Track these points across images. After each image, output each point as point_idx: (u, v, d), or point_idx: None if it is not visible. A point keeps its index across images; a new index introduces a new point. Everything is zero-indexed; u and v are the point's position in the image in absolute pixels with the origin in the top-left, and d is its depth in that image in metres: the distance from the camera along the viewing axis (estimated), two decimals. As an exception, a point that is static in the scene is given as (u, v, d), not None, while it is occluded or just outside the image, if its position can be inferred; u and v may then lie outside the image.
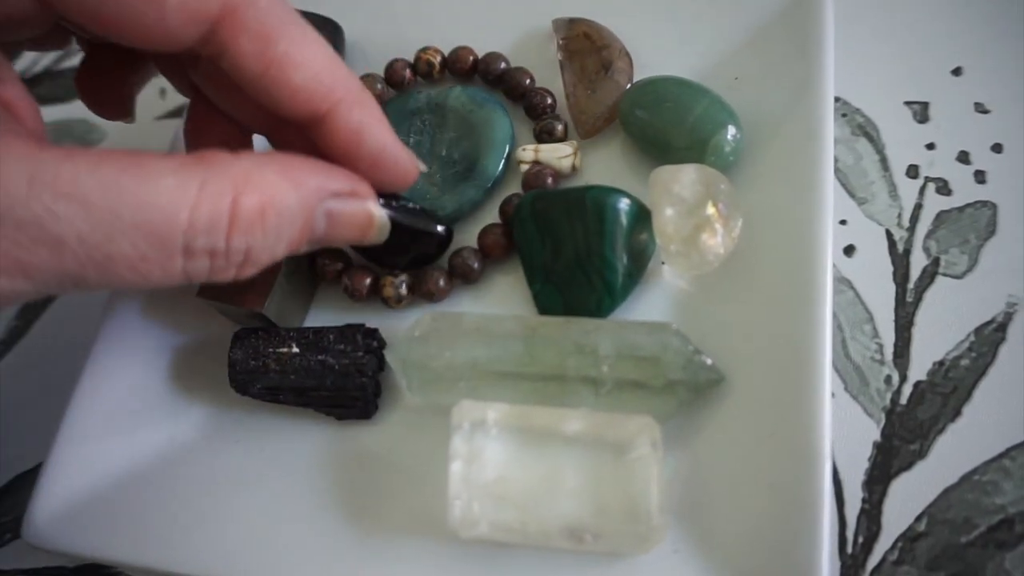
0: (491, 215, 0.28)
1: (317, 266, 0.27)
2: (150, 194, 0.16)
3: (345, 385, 0.24)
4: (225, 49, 0.20)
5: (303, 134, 0.22)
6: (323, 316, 0.27)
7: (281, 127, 0.24)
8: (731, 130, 0.26)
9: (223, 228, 0.18)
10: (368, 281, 0.26)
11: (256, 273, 0.20)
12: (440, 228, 0.25)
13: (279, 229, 0.19)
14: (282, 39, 0.20)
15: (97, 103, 0.24)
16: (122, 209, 0.16)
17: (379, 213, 0.22)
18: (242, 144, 0.25)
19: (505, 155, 0.28)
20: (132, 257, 0.17)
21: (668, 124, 0.26)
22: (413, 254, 0.26)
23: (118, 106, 0.25)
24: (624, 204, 0.25)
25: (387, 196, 0.24)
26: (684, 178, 0.24)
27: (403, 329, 0.25)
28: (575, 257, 0.25)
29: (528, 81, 0.29)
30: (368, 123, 0.22)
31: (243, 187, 0.18)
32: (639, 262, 0.26)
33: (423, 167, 0.24)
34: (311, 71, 0.20)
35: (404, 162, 0.23)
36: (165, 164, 0.17)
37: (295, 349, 0.25)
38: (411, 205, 0.25)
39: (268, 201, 0.18)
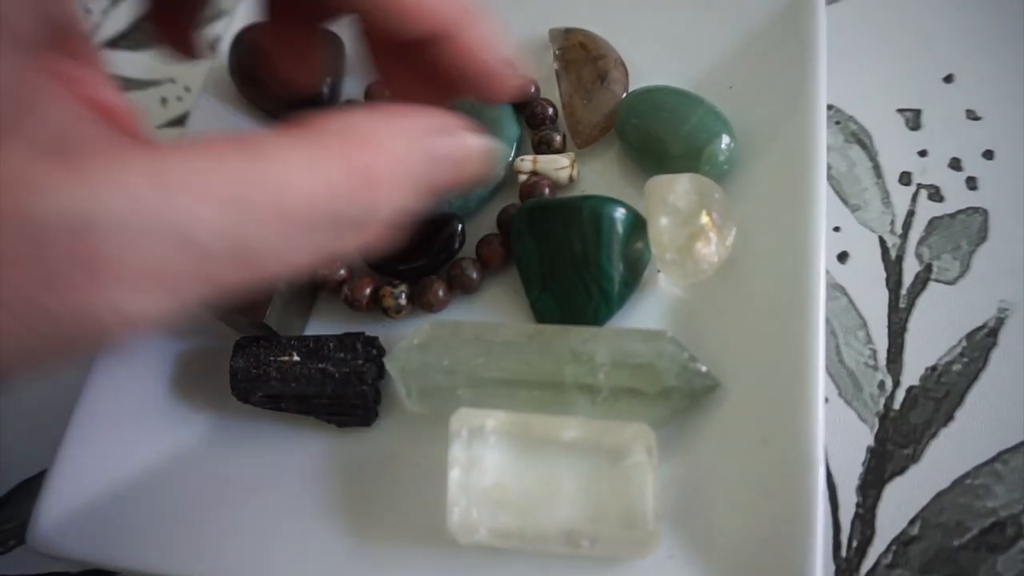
0: (488, 225, 0.28)
1: (318, 276, 0.27)
2: (277, 176, 0.15)
3: (345, 393, 0.25)
4: None
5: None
6: (323, 326, 0.28)
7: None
8: (725, 139, 0.26)
9: (351, 190, 0.17)
10: (368, 291, 0.27)
11: (383, 233, 0.18)
12: (459, 226, 0.27)
13: (393, 180, 0.18)
14: None
15: (177, 42, 0.23)
16: (253, 195, 0.15)
17: (475, 142, 0.20)
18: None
19: (512, 154, 0.29)
20: (273, 243, 0.16)
21: (663, 133, 0.27)
22: (436, 249, 0.27)
23: (190, 44, 0.23)
24: (620, 214, 0.25)
25: None
26: (678, 188, 0.25)
27: (402, 337, 0.25)
28: (572, 266, 0.25)
29: (533, 90, 0.30)
30: (484, 38, 0.21)
31: (360, 146, 0.17)
32: (635, 271, 0.26)
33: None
34: None
35: (509, 76, 0.22)
36: (279, 141, 0.16)
37: (296, 357, 0.25)
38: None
39: (385, 154, 0.17)
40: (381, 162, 0.17)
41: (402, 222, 0.19)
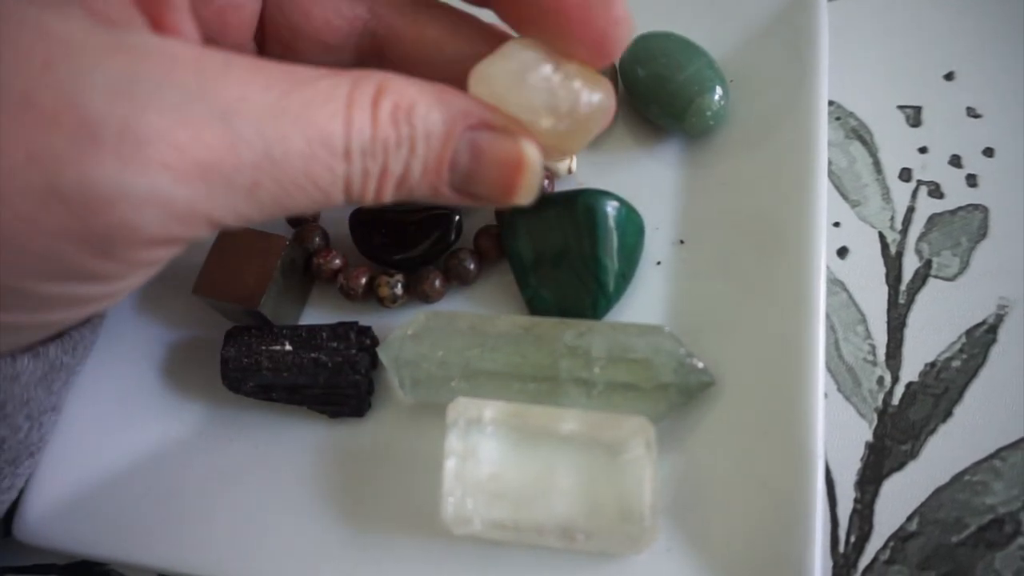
0: (486, 217, 0.28)
1: (313, 265, 0.27)
2: (310, 92, 0.16)
3: (338, 382, 0.24)
4: None
5: None
6: (318, 315, 0.27)
7: None
8: (717, 93, 0.26)
9: (369, 126, 0.16)
10: (364, 280, 0.26)
11: (396, 197, 0.18)
12: (457, 217, 0.26)
13: (414, 140, 0.17)
14: None
15: None
16: (289, 104, 0.15)
17: (532, 154, 0.18)
18: None
19: None
20: (305, 154, 0.15)
21: (659, 80, 0.27)
22: (433, 239, 0.26)
23: None
24: (614, 207, 0.25)
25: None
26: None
27: (397, 327, 0.25)
28: (568, 261, 0.25)
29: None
30: None
31: (384, 87, 0.16)
32: (630, 264, 0.26)
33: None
34: None
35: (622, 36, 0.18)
36: (312, 69, 0.16)
37: (288, 347, 0.25)
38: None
39: (406, 104, 0.16)
40: (389, 104, 0.16)
41: (433, 202, 0.18)
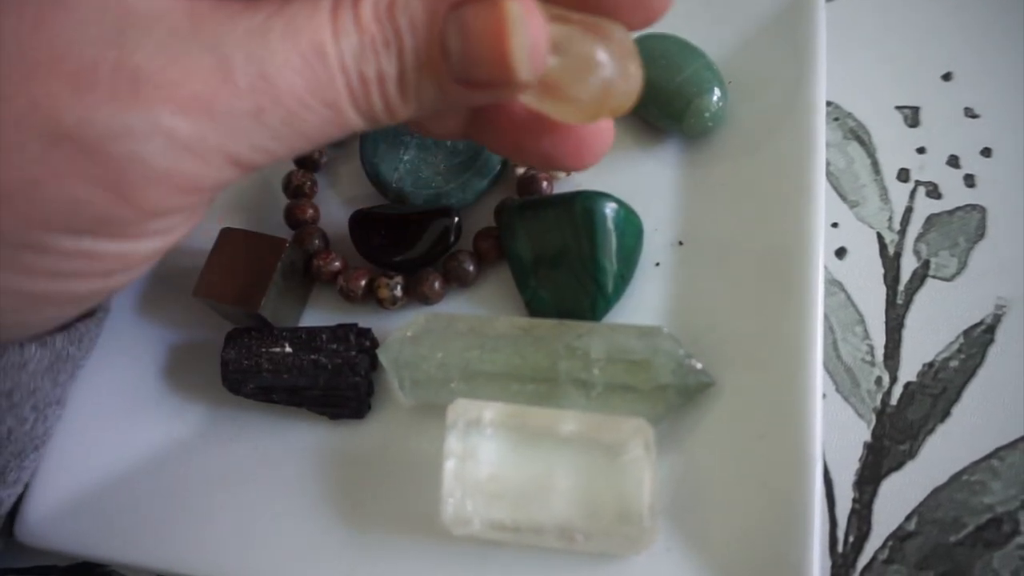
0: (486, 218, 0.28)
1: (313, 267, 0.27)
2: (295, 8, 0.15)
3: (338, 384, 0.25)
4: None
5: None
6: (318, 317, 0.27)
7: None
8: (715, 95, 0.26)
9: (354, 29, 0.16)
10: (363, 282, 0.26)
11: (407, 106, 0.17)
12: (456, 219, 0.27)
13: (400, 34, 0.16)
14: None
15: None
16: (275, 23, 0.15)
17: (513, 9, 0.16)
18: None
19: None
20: (300, 69, 0.15)
21: (656, 82, 0.27)
22: (432, 241, 0.26)
23: None
24: (612, 209, 0.25)
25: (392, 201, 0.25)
26: None
27: (396, 329, 0.25)
28: (567, 263, 0.25)
29: None
30: None
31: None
32: (629, 265, 0.26)
33: None
34: None
35: None
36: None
37: (288, 349, 0.25)
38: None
39: (386, 0, 0.16)
40: (370, 2, 0.16)
41: (452, 106, 0.17)
